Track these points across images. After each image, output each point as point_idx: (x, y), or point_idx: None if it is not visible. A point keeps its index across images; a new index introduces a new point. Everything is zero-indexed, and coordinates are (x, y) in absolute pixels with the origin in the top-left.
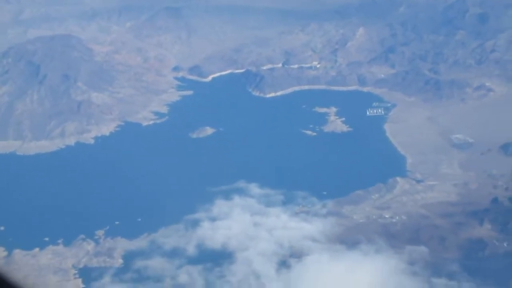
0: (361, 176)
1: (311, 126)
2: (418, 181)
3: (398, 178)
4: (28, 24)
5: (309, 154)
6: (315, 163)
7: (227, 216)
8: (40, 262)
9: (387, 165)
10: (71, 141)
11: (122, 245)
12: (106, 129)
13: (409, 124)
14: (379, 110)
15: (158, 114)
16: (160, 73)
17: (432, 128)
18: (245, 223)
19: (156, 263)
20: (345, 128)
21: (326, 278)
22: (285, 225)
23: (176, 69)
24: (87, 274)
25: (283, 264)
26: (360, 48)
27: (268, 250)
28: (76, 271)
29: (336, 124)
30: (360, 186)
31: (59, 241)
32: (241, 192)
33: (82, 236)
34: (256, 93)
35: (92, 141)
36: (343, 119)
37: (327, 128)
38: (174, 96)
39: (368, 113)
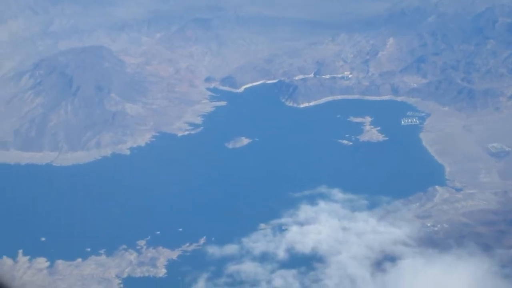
0: (400, 185)
1: (346, 135)
2: (458, 190)
3: (437, 187)
4: (58, 36)
5: (347, 163)
6: (352, 172)
7: (314, 221)
8: (83, 273)
9: (425, 174)
10: (107, 152)
11: (165, 254)
12: (142, 139)
13: (444, 133)
14: (414, 120)
15: (192, 124)
16: (192, 84)
17: (468, 137)
18: (334, 228)
19: (248, 268)
20: (381, 137)
21: (423, 281)
22: (374, 229)
23: (208, 80)
24: (131, 284)
25: (377, 268)
26: (391, 58)
27: (360, 254)
28: (120, 281)
29: (372, 133)
30: (401, 195)
31: (101, 251)
32: (325, 197)
33: (124, 246)
34: (289, 104)
35: (128, 152)
36: (379, 128)
37: (362, 138)
38: (207, 106)
39: (403, 122)
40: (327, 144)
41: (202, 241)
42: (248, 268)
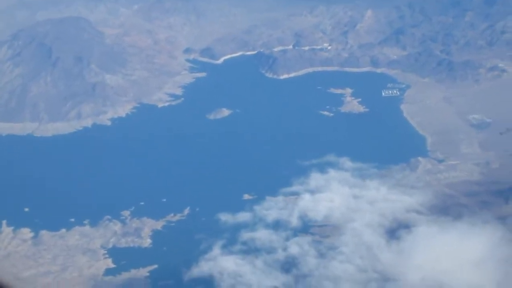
0: (383, 156)
1: (327, 107)
2: (440, 161)
3: (419, 158)
4: (35, 6)
5: (329, 134)
6: (334, 143)
7: (325, 189)
8: (68, 243)
9: (407, 145)
10: (88, 122)
11: (150, 225)
12: (122, 110)
13: (425, 105)
14: (394, 91)
15: (173, 96)
16: (171, 55)
17: (448, 108)
18: (345, 196)
19: (262, 235)
20: (361, 108)
21: (438, 248)
22: (385, 197)
23: (187, 51)
24: (116, 254)
25: (392, 236)
26: (370, 30)
27: (373, 222)
28: (106, 251)
29: (353, 104)
30: (383, 166)
31: (85, 222)
32: (334, 165)
33: (108, 217)
34: (269, 75)
35: (109, 123)
36: (359, 99)
37: (343, 109)
38: (187, 78)
39: (383, 94)
40: (309, 115)
41: (186, 211)
42: (262, 235)
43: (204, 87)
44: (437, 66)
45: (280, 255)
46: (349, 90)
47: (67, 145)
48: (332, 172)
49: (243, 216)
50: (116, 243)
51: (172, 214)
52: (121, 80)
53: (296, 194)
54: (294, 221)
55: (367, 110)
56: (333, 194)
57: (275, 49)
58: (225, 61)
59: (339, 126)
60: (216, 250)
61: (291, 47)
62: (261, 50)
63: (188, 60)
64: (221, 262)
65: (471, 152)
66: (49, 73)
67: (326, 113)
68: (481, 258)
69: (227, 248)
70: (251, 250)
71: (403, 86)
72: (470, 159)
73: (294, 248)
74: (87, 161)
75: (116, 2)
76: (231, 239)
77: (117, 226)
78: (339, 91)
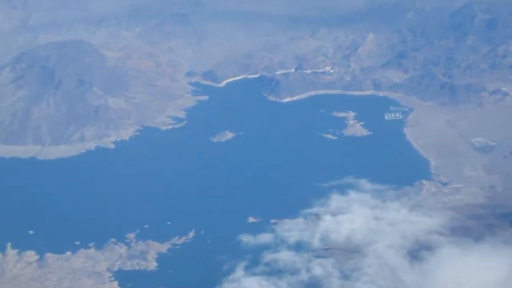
0: (387, 179)
1: (331, 130)
2: (444, 184)
3: (424, 181)
4: (37, 30)
5: (331, 158)
6: (338, 166)
7: (347, 210)
8: (73, 266)
9: (411, 168)
10: (91, 145)
11: (155, 248)
12: (126, 133)
13: (428, 128)
14: (397, 114)
15: (176, 119)
16: (173, 78)
17: (451, 131)
18: (367, 217)
19: (285, 256)
20: (365, 132)
21: (461, 270)
22: (406, 219)
23: (189, 74)
24: (122, 277)
25: (415, 257)
26: (371, 54)
27: (395, 244)
28: (111, 274)
29: (356, 128)
30: (389, 190)
31: (90, 244)
32: (353, 187)
33: (113, 239)
34: (272, 98)
35: (112, 146)
36: (362, 123)
37: (347, 132)
38: (190, 101)
39: (386, 117)
40: (312, 138)
41: (191, 234)
42: (285, 257)
43: (207, 110)
44: (440, 90)
45: (304, 276)
46: (352, 113)
47: (71, 168)
48: (352, 194)
49: (265, 237)
50: (122, 266)
51: (177, 237)
52: (123, 103)
53: (316, 215)
54: (316, 242)
55: (370, 133)
56: (354, 215)
57: (277, 73)
58: (227, 84)
59: (343, 149)
60: (239, 272)
61: (293, 70)
62: (263, 74)
63: (190, 83)
64: (244, 283)
65: (475, 176)
66: (52, 95)
67: (329, 136)
68: (504, 279)
69: (250, 269)
70: (274, 272)
71: (406, 109)
72: (474, 182)
73: (317, 269)
74: (91, 184)
75: (118, 26)
76: (254, 260)
77: (122, 249)
78: (342, 114)
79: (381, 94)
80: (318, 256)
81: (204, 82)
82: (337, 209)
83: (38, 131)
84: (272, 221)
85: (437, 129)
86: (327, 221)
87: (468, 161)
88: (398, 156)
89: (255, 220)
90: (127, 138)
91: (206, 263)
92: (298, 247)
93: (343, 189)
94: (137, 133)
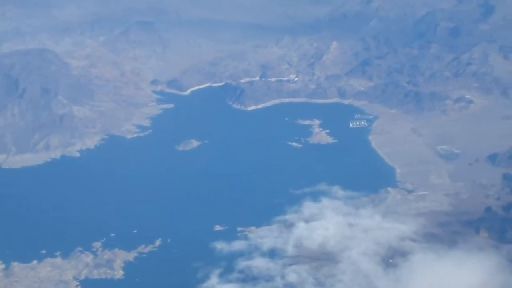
0: (353, 187)
1: (296, 138)
2: (409, 191)
3: (389, 188)
4: (0, 38)
5: (299, 165)
6: (305, 174)
7: (320, 217)
8: (40, 275)
9: (376, 176)
10: (56, 154)
11: (121, 256)
12: (91, 142)
13: (393, 136)
14: (362, 122)
15: (141, 127)
16: (138, 87)
17: (416, 139)
18: (340, 224)
19: (259, 263)
20: (330, 139)
21: (435, 276)
22: (379, 225)
23: (154, 82)
24: (89, 286)
25: (388, 264)
26: (336, 62)
27: (369, 250)
28: (78, 283)
29: (321, 136)
30: (354, 197)
31: (57, 253)
32: (326, 194)
33: (80, 248)
34: (236, 106)
35: (77, 154)
36: (327, 131)
37: (312, 140)
38: (155, 109)
39: (351, 125)
40: (278, 146)
41: (157, 242)
42: (259, 263)
43: (172, 118)
44: (404, 97)
45: (279, 283)
46: (317, 121)
47: (36, 177)
48: (325, 201)
49: (239, 244)
50: (89, 275)
51: (143, 245)
52: (88, 111)
53: (288, 222)
54: (290, 249)
55: (335, 141)
56: (327, 222)
57: (242, 81)
58: (192, 92)
59: (309, 157)
60: (214, 279)
61: (257, 78)
62: (228, 82)
63: (155, 92)
64: None
65: (441, 183)
66: (16, 104)
67: (295, 144)
68: (477, 285)
69: (224, 276)
70: (249, 279)
71: (371, 117)
72: (439, 189)
73: (292, 276)
74: (57, 193)
75: (82, 34)
76: (228, 267)
77: (89, 258)
78: (307, 122)
79: (346, 102)
80: (293, 263)
81: (169, 90)
82: (310, 216)
83: (2, 140)
84: (239, 229)
85: (402, 136)
86: (300, 228)
87: (434, 168)
88: (364, 164)
89: (221, 228)
90: (92, 147)
91: (173, 271)
92: (272, 254)
93: (315, 196)
94: (102, 142)
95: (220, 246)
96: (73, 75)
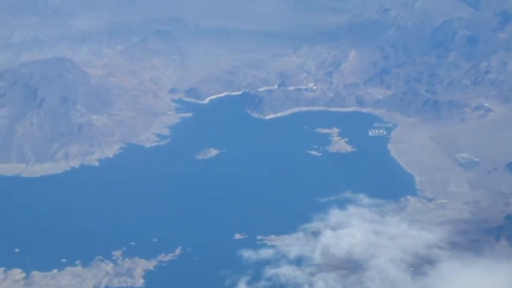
0: (377, 194)
1: (315, 146)
2: (429, 200)
3: (409, 197)
4: (19, 47)
5: (319, 173)
6: (327, 182)
7: (346, 225)
8: (60, 283)
9: (396, 184)
10: (75, 163)
11: (142, 265)
12: (110, 151)
13: (412, 144)
14: (381, 131)
15: (160, 136)
16: (157, 96)
17: (435, 147)
18: (367, 232)
19: (286, 271)
20: (349, 148)
21: (463, 283)
22: (406, 233)
23: (172, 91)
24: None
25: (417, 271)
26: (354, 70)
27: (396, 258)
28: None
29: (340, 144)
30: (375, 206)
31: (77, 262)
32: (352, 202)
33: (100, 257)
34: (255, 115)
35: (96, 163)
36: (346, 139)
37: (331, 148)
38: (173, 118)
39: (370, 133)
40: (297, 155)
41: (177, 251)
42: (286, 271)
43: (190, 127)
44: (423, 106)
45: None
46: (335, 130)
47: (56, 186)
48: (351, 208)
49: (265, 252)
50: (109, 283)
51: (163, 254)
52: (107, 120)
53: (315, 230)
54: (317, 257)
55: (354, 149)
56: (354, 230)
57: (260, 89)
58: (210, 101)
59: (329, 165)
60: (241, 287)
61: (276, 87)
62: (246, 90)
63: (173, 100)
64: None
65: (460, 191)
66: (35, 114)
67: (314, 152)
68: None
69: (252, 284)
70: (276, 287)
71: (390, 125)
72: (459, 198)
73: (320, 283)
74: (77, 201)
75: (99, 43)
76: (255, 275)
77: (109, 266)
78: (325, 130)
79: (364, 110)
80: (320, 271)
81: (187, 99)
82: (336, 223)
83: (21, 149)
84: (259, 237)
85: (420, 145)
86: (327, 236)
87: (453, 177)
88: (384, 172)
89: (241, 237)
90: (111, 156)
91: (195, 279)
92: (299, 262)
93: (341, 204)
94: (121, 151)
95: (247, 254)
96: (92, 84)
